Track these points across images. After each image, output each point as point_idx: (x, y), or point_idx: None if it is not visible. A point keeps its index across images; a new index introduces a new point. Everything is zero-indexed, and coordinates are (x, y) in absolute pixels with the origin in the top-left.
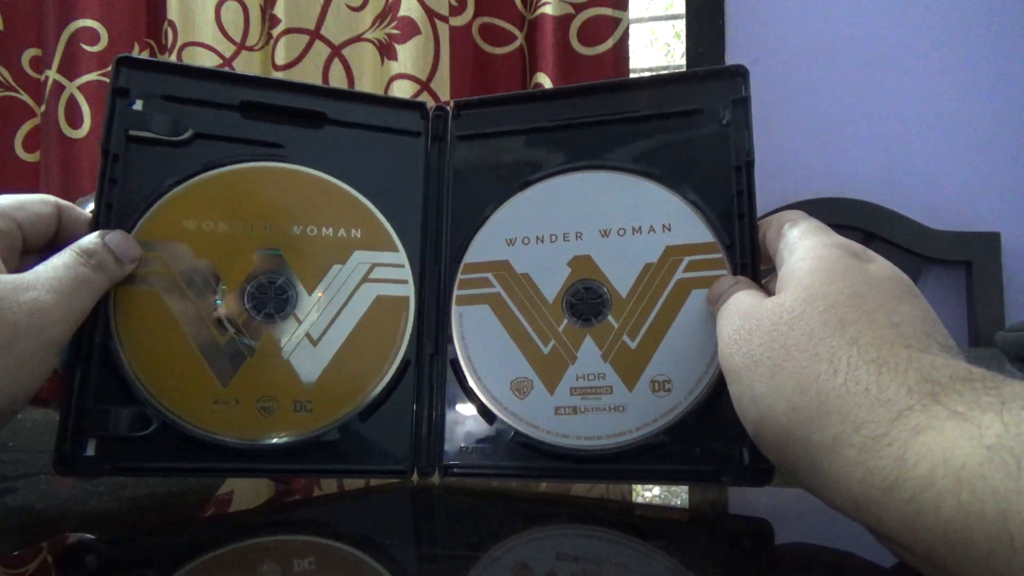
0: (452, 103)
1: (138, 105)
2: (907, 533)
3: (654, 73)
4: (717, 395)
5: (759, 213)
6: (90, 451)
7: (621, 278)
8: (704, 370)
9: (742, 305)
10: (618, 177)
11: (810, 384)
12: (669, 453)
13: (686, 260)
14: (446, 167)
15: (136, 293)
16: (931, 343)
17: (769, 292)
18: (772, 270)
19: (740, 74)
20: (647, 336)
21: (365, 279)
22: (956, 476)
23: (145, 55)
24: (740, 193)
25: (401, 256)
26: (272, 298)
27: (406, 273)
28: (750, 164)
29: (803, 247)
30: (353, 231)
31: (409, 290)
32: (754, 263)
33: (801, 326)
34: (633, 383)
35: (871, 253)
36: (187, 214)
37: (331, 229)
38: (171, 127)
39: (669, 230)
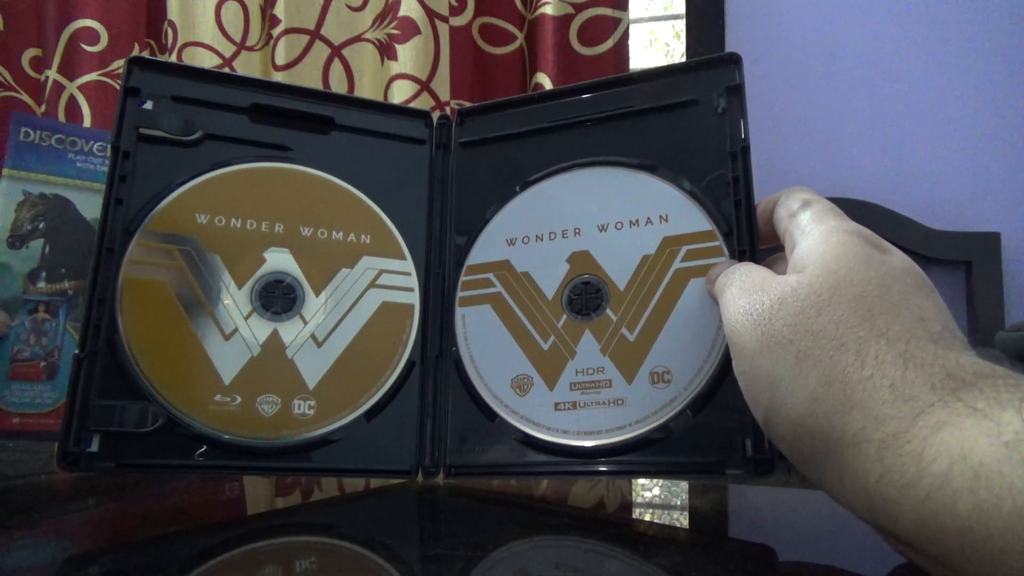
0: (456, 112)
1: (148, 105)
2: (921, 533)
3: (650, 66)
4: (718, 385)
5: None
6: (94, 447)
7: (619, 271)
8: (704, 360)
9: (754, 276)
10: (616, 172)
11: (836, 375)
12: (670, 446)
13: (684, 249)
14: (450, 174)
15: (145, 284)
16: (955, 340)
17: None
18: (770, 251)
19: (734, 62)
20: (646, 327)
21: (372, 284)
22: (973, 473)
23: (146, 55)
24: (736, 180)
25: (408, 264)
26: (279, 297)
27: (412, 281)
28: (746, 150)
29: (820, 230)
30: (363, 236)
31: (415, 298)
32: (752, 250)
33: (830, 312)
34: (632, 375)
35: (887, 244)
36: (199, 208)
37: (341, 233)
38: (181, 127)
39: (667, 221)
